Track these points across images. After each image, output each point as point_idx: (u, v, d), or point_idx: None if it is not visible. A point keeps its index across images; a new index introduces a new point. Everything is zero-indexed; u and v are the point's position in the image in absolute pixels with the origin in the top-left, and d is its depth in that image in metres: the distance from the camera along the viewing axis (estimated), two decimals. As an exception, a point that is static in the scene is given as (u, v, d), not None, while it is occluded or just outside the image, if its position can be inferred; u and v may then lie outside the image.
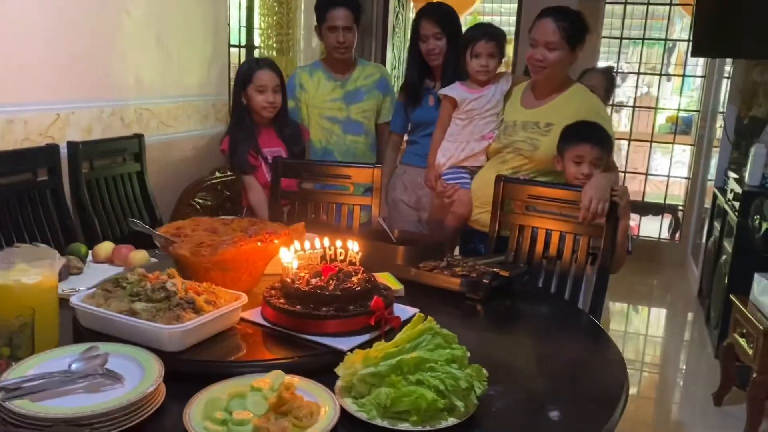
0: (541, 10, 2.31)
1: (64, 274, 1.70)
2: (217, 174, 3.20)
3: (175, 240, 1.47)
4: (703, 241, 4.47)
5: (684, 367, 3.67)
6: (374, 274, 1.67)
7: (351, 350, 1.23)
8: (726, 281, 3.42)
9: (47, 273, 1.29)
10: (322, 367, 1.22)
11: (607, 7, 5.24)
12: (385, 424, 1.08)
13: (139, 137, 2.76)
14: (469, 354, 1.19)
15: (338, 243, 1.53)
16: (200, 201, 3.04)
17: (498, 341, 1.60)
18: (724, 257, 3.61)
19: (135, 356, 1.18)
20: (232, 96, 2.75)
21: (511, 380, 1.32)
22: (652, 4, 5.38)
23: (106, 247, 1.87)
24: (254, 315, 1.42)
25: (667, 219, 5.57)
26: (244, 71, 2.62)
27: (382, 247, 1.91)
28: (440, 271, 1.82)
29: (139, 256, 1.82)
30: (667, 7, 5.42)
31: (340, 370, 1.18)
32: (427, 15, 2.71)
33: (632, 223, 5.56)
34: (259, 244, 1.48)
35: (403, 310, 1.49)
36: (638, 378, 3.43)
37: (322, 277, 1.41)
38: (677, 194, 5.65)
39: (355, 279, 1.43)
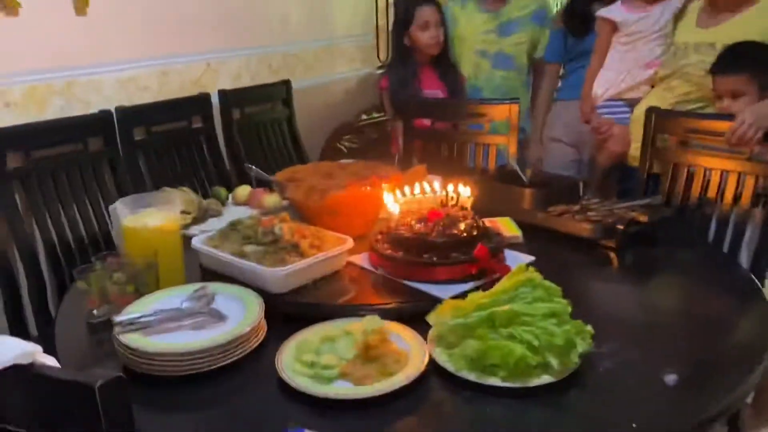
0: None
1: (204, 215, 1.82)
2: (364, 117, 3.23)
3: (287, 184, 1.50)
4: None
5: None
6: (492, 219, 1.60)
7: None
8: None
9: (170, 216, 1.39)
10: (420, 315, 1.19)
11: None
12: (472, 377, 1.04)
13: (286, 83, 2.86)
14: (570, 309, 1.09)
15: (450, 187, 1.47)
16: (347, 144, 3.10)
17: (628, 294, 1.46)
18: None
19: (240, 296, 1.24)
20: (393, 36, 2.74)
21: (630, 338, 1.20)
22: None
23: (243, 191, 1.97)
24: (362, 259, 1.42)
25: None
26: (404, 10, 2.59)
27: (509, 189, 1.81)
28: (571, 216, 1.68)
29: (272, 199, 1.90)
30: None
31: (431, 318, 1.14)
32: None
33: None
34: (367, 188, 1.46)
35: (517, 259, 1.40)
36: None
37: (428, 223, 1.37)
38: None
39: (462, 225, 1.36)
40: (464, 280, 1.29)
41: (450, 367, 1.06)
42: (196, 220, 1.79)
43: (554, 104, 2.80)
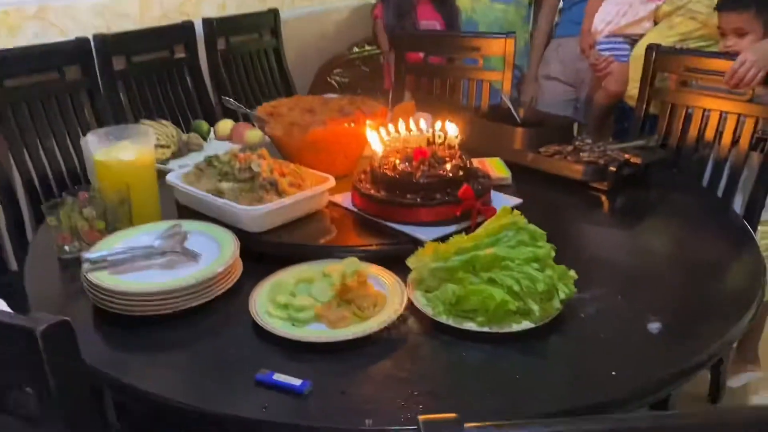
0: None
1: (184, 150, 1.77)
2: (356, 49, 3.11)
3: (267, 119, 1.44)
4: None
5: None
6: (481, 159, 1.55)
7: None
8: None
9: (143, 150, 1.33)
10: (401, 257, 1.14)
11: None
12: (450, 321, 1.01)
13: (274, 12, 2.73)
14: (554, 254, 1.05)
15: (437, 125, 1.41)
16: (337, 78, 3.00)
17: (617, 238, 1.42)
18: None
19: (215, 235, 1.20)
20: None
21: (616, 284, 1.17)
22: None
23: (225, 125, 1.91)
24: (344, 199, 1.37)
25: None
26: None
27: (500, 128, 1.75)
28: (563, 157, 1.63)
29: (255, 134, 1.84)
30: None
31: (411, 261, 1.10)
32: None
33: None
34: (350, 124, 1.40)
35: (504, 201, 1.35)
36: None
37: (413, 162, 1.32)
38: None
39: (448, 165, 1.31)
40: (448, 223, 1.25)
41: (428, 311, 1.03)
42: (175, 155, 1.74)
43: (552, 41, 2.70)
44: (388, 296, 1.07)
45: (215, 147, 1.83)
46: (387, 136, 1.40)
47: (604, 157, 1.61)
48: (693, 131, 1.86)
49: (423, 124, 1.45)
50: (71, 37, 2.03)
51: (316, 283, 1.09)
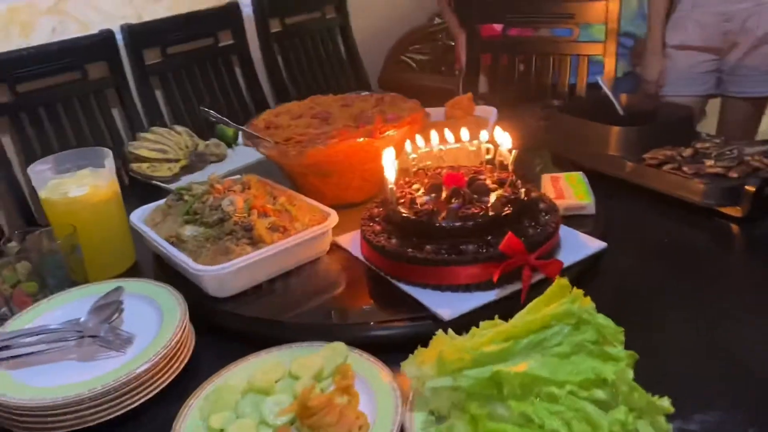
0: None
1: (197, 163, 1.48)
2: (437, 20, 2.69)
3: (258, 135, 1.10)
4: None
5: None
6: (557, 175, 1.13)
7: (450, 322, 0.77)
8: None
9: (96, 183, 1.04)
10: (415, 339, 0.77)
11: None
12: (457, 481, 0.63)
13: (338, -17, 2.38)
14: (632, 374, 0.64)
15: (483, 135, 1.00)
16: (414, 56, 2.60)
17: (758, 301, 0.94)
18: None
19: (161, 303, 0.88)
20: None
21: (744, 400, 0.73)
22: None
23: (253, 128, 1.59)
24: (353, 243, 1.01)
25: None
26: None
27: (586, 126, 1.29)
28: (676, 167, 1.17)
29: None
30: None
31: (408, 367, 0.73)
32: None
33: None
34: (361, 140, 1.02)
35: (580, 246, 0.94)
36: None
37: (442, 194, 0.93)
38: None
39: (492, 197, 0.91)
40: (485, 287, 0.86)
41: (427, 455, 0.66)
42: (187, 169, 1.46)
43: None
44: (375, 420, 0.71)
45: (243, 155, 1.53)
46: (414, 152, 1.02)
47: (739, 166, 1.13)
48: None
49: (465, 134, 1.05)
50: (95, 30, 1.80)
51: (274, 394, 0.75)
